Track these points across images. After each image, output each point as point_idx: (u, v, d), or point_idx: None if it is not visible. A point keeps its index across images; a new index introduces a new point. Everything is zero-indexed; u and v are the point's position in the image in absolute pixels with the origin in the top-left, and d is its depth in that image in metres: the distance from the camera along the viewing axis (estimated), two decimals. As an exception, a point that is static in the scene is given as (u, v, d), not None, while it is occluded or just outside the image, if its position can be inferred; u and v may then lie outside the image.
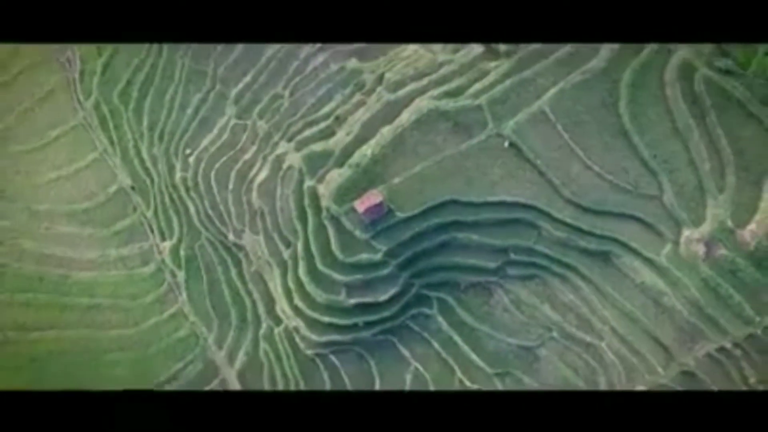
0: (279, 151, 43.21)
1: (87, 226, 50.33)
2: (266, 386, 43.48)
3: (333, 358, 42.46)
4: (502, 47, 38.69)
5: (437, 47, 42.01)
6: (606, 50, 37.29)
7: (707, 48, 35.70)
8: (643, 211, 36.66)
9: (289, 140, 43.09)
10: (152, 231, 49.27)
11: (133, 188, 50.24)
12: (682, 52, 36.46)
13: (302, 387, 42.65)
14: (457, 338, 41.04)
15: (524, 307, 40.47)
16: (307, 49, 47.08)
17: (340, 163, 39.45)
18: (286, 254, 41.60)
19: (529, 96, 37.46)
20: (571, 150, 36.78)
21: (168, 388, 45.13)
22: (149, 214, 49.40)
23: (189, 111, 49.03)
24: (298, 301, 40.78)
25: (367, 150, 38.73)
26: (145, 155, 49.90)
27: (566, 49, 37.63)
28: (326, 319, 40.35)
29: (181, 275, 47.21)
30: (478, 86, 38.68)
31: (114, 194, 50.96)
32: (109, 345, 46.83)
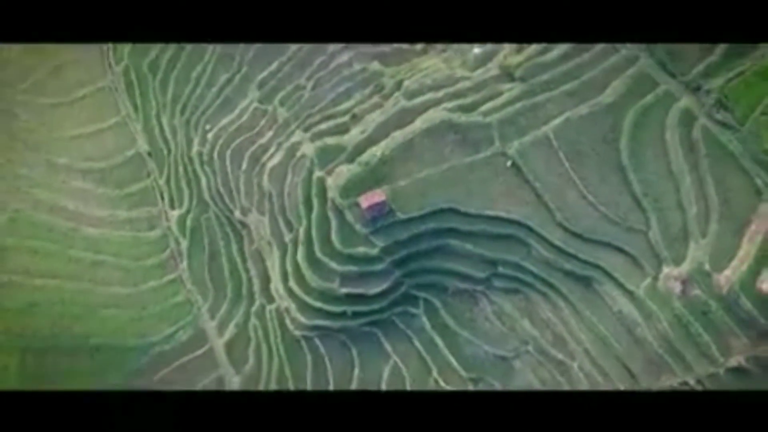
0: (294, 139, 45.07)
1: (101, 185, 52.37)
2: (251, 360, 45.48)
3: (318, 342, 44.33)
4: (518, 72, 40.66)
5: (456, 62, 43.92)
6: (614, 87, 39.32)
7: (710, 100, 37.64)
8: (628, 244, 38.51)
9: (306, 130, 44.93)
10: (162, 198, 51.28)
11: (149, 154, 52.30)
12: (685, 100, 38.46)
13: (285, 366, 44.58)
14: (438, 340, 42.96)
15: (505, 318, 42.37)
16: (333, 45, 48.78)
17: (350, 159, 41.37)
18: (287, 237, 43.52)
19: (537, 121, 39.45)
20: (569, 177, 38.71)
21: (159, 350, 47.10)
22: (162, 181, 51.45)
23: (214, 89, 50.98)
24: (292, 284, 42.72)
25: (378, 150, 40.63)
26: (165, 125, 51.94)
27: (577, 81, 39.68)
28: (317, 304, 42.24)
29: (184, 244, 49.23)
30: (490, 105, 40.62)
31: (131, 158, 53.03)
32: (107, 301, 48.59)
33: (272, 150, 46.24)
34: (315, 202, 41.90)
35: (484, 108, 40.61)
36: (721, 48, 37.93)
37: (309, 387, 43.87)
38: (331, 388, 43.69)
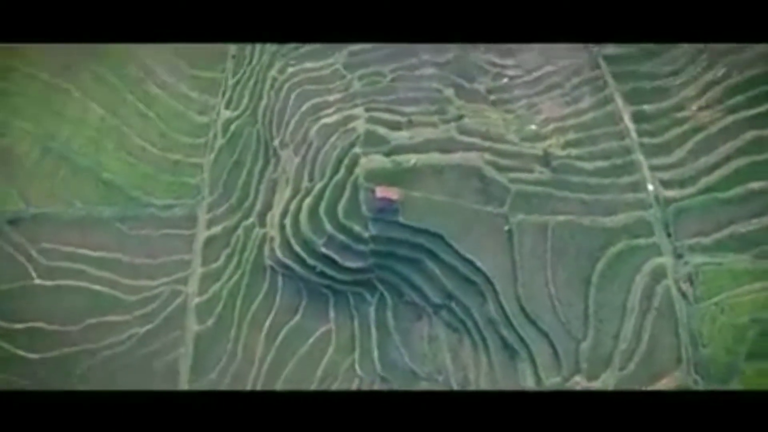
0: (354, 112, 49.76)
1: (181, 58, 57.96)
2: (220, 261, 50.01)
3: (279, 278, 48.57)
4: (555, 163, 46.01)
5: (513, 127, 49.01)
6: (619, 218, 44.84)
7: (684, 270, 43.03)
8: (560, 343, 42.76)
9: (366, 110, 49.65)
10: (224, 95, 56.43)
11: (233, 57, 57.48)
12: (666, 258, 43.84)
13: (243, 282, 48.85)
14: (373, 330, 46.71)
15: (435, 345, 45.96)
16: (426, 56, 53.63)
17: (387, 153, 46.41)
18: (304, 184, 48.37)
19: (546, 209, 44.74)
20: (545, 266, 43.68)
21: (153, 211, 51.97)
22: (231, 82, 56.80)
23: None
24: (287, 221, 47.47)
25: (413, 159, 45.84)
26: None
27: (594, 196, 45.15)
28: (297, 248, 46.85)
29: (220, 141, 54.44)
30: (518, 175, 45.97)
31: (215, 51, 58.22)
32: (134, 149, 53.81)
33: (332, 110, 50.67)
34: (342, 170, 46.62)
35: (512, 175, 45.82)
36: (716, 235, 43.61)
37: (253, 310, 48.24)
38: (269, 321, 47.80)
